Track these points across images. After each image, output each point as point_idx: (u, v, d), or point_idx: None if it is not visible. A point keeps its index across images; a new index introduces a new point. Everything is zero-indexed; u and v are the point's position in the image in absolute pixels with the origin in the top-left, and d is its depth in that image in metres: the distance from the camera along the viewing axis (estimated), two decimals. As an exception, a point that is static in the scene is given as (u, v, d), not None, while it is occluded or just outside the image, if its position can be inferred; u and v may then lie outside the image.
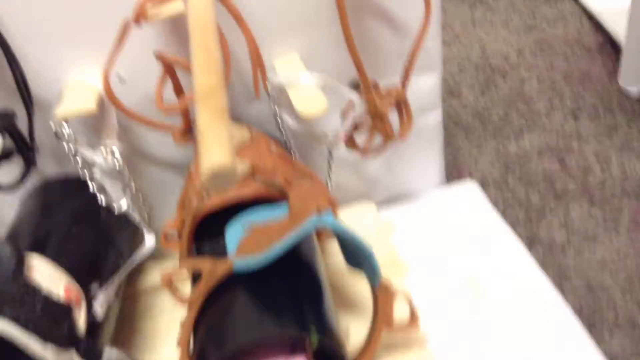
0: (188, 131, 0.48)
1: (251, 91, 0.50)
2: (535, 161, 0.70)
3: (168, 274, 0.37)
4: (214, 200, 0.41)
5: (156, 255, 0.56)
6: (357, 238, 0.37)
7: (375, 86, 0.50)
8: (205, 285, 0.35)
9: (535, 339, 0.43)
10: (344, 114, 0.50)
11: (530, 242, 0.59)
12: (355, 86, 0.54)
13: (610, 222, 0.60)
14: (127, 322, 0.48)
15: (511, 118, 0.78)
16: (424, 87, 0.55)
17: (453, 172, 0.71)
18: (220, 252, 0.39)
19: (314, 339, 0.35)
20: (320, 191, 0.39)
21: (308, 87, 0.47)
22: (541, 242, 0.59)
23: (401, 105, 0.50)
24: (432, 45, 0.53)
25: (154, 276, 0.53)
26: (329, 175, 0.54)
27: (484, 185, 0.68)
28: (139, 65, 0.47)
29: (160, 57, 0.43)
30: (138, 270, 0.53)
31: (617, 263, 0.55)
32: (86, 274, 0.42)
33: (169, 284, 0.37)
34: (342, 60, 0.48)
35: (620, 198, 0.63)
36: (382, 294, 0.38)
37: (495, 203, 0.65)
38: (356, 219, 0.57)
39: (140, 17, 0.39)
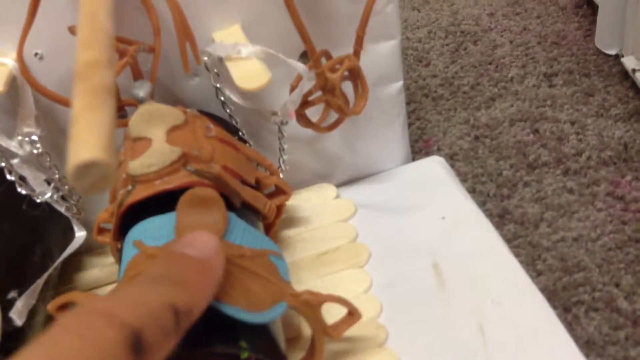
0: (118, 112, 0.43)
1: (191, 67, 0.45)
2: (507, 131, 0.66)
3: (56, 303, 0.33)
4: (138, 193, 0.36)
5: (97, 247, 0.51)
6: None
7: (327, 56, 0.46)
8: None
9: (503, 327, 0.40)
10: (292, 88, 0.45)
11: (502, 219, 0.56)
12: (306, 58, 0.49)
13: (587, 195, 0.56)
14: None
15: (482, 86, 0.74)
16: (382, 55, 0.51)
17: (421, 146, 0.67)
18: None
19: (244, 355, 0.30)
20: (212, 221, 0.34)
21: (248, 59, 0.42)
22: (513, 218, 0.55)
23: (355, 75, 0.45)
24: (390, 9, 0.48)
25: (93, 273, 0.48)
26: (281, 156, 0.50)
27: (453, 159, 0.64)
28: (60, 39, 0.42)
29: (74, 32, 0.38)
30: (75, 267, 0.49)
31: (594, 238, 0.52)
32: (1, 281, 0.37)
33: (60, 312, 0.33)
34: (291, 30, 0.43)
35: (597, 168, 0.59)
36: (305, 310, 0.34)
37: (464, 178, 0.61)
38: (314, 200, 0.53)
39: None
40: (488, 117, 0.68)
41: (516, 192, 0.58)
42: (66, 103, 0.42)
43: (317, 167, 0.54)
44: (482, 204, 0.57)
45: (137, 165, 0.37)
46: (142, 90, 0.40)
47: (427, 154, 0.65)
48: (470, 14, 0.88)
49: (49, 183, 0.43)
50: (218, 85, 0.46)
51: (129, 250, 0.35)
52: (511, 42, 0.82)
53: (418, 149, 0.67)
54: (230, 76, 0.43)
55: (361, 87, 0.45)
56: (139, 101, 0.40)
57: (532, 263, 0.51)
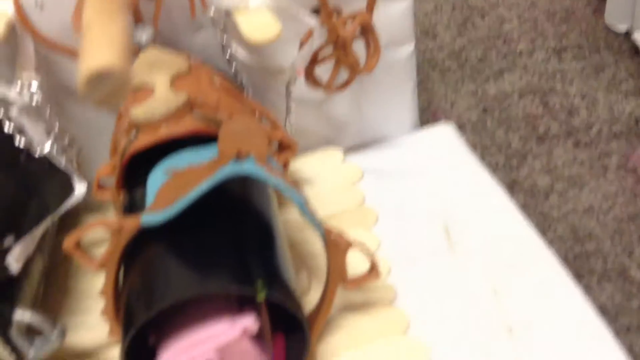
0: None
1: (196, 20, 0.43)
2: (516, 103, 0.64)
3: (73, 237, 0.31)
4: (143, 139, 0.35)
5: (96, 205, 0.50)
6: (284, 187, 0.31)
7: (338, 11, 0.44)
8: (113, 246, 0.30)
9: (517, 290, 0.38)
10: (302, 44, 0.43)
11: (511, 189, 0.54)
12: (316, 13, 0.47)
13: (597, 167, 0.55)
14: (57, 281, 0.42)
15: (490, 59, 0.73)
16: (394, 16, 0.49)
17: (428, 117, 0.65)
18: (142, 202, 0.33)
19: (261, 294, 0.29)
20: (257, 129, 0.33)
21: (258, 10, 0.40)
22: (523, 189, 0.54)
23: (367, 32, 0.44)
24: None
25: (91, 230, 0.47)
26: (288, 116, 0.48)
27: (461, 129, 0.63)
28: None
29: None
30: (73, 223, 0.47)
31: (605, 209, 0.51)
32: (-2, 225, 0.36)
33: (76, 249, 0.31)
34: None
35: (608, 141, 0.58)
36: (332, 247, 0.33)
37: (473, 148, 0.60)
38: (321, 164, 0.51)
39: None
40: (497, 90, 0.67)
41: (525, 164, 0.57)
42: (66, 52, 0.40)
43: (324, 132, 0.53)
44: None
45: (140, 112, 0.35)
46: (144, 34, 0.38)
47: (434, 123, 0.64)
48: (477, -12, 0.87)
49: (48, 134, 0.41)
50: (224, 40, 0.44)
51: (154, 182, 0.34)
52: (519, 17, 0.80)
53: (425, 119, 0.65)
54: (238, 30, 0.41)
55: (373, 44, 0.44)
56: (141, 46, 0.38)
57: (542, 233, 0.50)
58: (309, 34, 0.43)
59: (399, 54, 0.51)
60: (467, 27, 0.80)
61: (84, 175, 0.44)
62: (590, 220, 0.50)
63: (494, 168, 0.56)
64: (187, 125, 0.35)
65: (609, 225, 0.49)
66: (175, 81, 0.37)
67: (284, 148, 0.45)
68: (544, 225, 0.50)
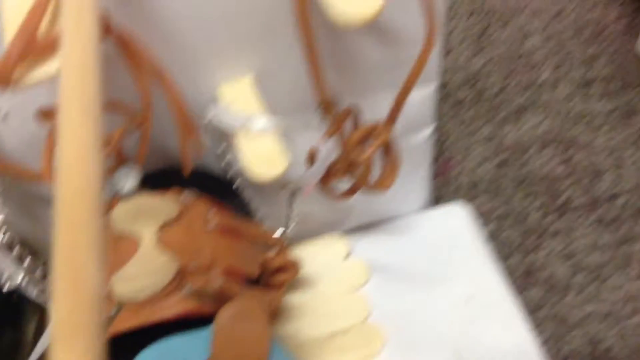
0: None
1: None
2: (536, 157, 0.59)
3: None
4: (123, 321, 0.30)
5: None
6: None
7: (354, 115, 0.38)
8: None
9: None
10: (310, 159, 0.38)
11: (527, 279, 0.50)
12: (325, 108, 0.41)
13: (620, 255, 0.51)
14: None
15: (509, 90, 0.66)
16: (415, 104, 0.43)
17: (440, 170, 0.60)
18: None
19: None
20: (256, 337, 0.28)
21: (263, 136, 0.34)
22: (540, 280, 0.50)
23: (386, 151, 0.38)
24: (432, 55, 0.40)
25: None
26: (287, 225, 0.43)
27: (476, 188, 0.58)
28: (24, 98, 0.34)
29: (46, 115, 0.30)
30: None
31: (626, 316, 0.47)
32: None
33: None
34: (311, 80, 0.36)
35: (634, 219, 0.53)
36: None
37: (488, 219, 0.55)
38: (322, 260, 0.47)
39: (3, 81, 0.25)
40: (515, 137, 0.61)
41: (543, 244, 0.52)
42: (34, 178, 0.34)
43: (328, 216, 0.48)
44: (505, 258, 0.52)
45: (124, 289, 0.30)
46: (127, 181, 0.32)
47: (445, 180, 0.59)
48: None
49: (19, 267, 0.36)
50: (222, 148, 0.38)
51: None
52: (544, 29, 0.73)
53: (436, 170, 0.60)
54: (240, 154, 0.35)
55: (390, 163, 0.38)
56: (121, 195, 0.32)
57: (558, 346, 0.46)
58: (315, 151, 0.37)
59: (417, 138, 0.46)
60: (484, 41, 0.73)
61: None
62: (610, 331, 0.46)
63: (509, 249, 0.52)
64: (176, 306, 0.30)
65: (630, 341, 0.45)
66: (163, 234, 0.32)
67: (286, 268, 0.40)
68: (561, 333, 0.46)
